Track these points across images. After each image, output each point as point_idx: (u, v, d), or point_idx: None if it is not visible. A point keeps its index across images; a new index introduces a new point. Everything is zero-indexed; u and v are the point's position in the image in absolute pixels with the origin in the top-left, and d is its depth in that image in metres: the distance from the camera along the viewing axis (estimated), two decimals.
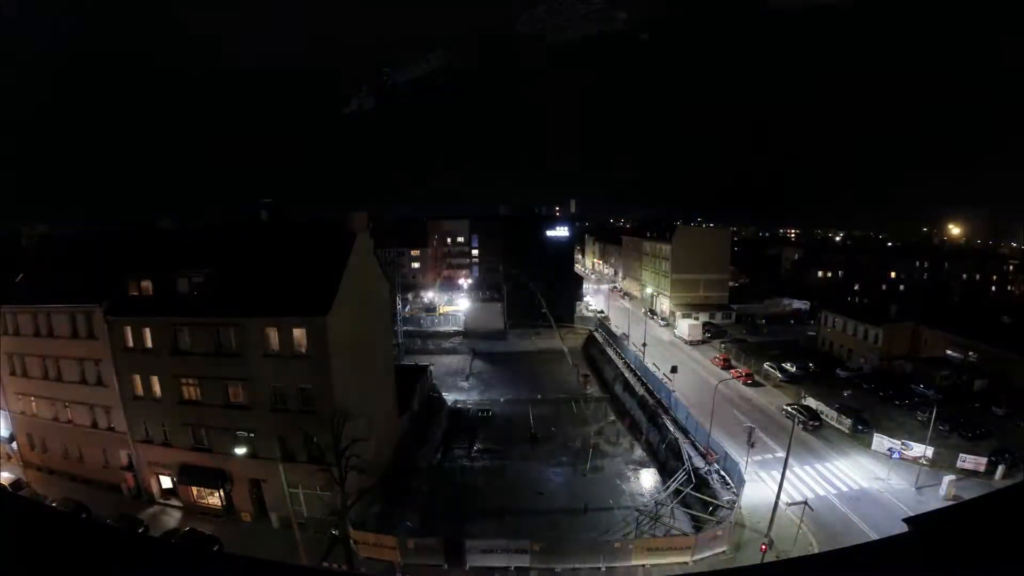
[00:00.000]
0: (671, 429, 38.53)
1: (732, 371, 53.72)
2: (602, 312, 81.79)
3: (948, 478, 31.19)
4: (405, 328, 63.86)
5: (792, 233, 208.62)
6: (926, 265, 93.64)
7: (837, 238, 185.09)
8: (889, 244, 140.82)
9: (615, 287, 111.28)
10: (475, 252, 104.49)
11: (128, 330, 29.16)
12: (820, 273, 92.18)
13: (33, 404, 33.43)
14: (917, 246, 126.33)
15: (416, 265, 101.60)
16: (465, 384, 56.85)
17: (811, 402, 43.70)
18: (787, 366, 52.68)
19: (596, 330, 70.10)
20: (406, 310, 73.60)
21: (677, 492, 31.98)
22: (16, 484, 31.98)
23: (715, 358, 58.06)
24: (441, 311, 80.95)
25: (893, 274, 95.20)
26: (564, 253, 75.79)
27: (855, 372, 52.51)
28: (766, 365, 53.91)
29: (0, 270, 34.10)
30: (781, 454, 34.53)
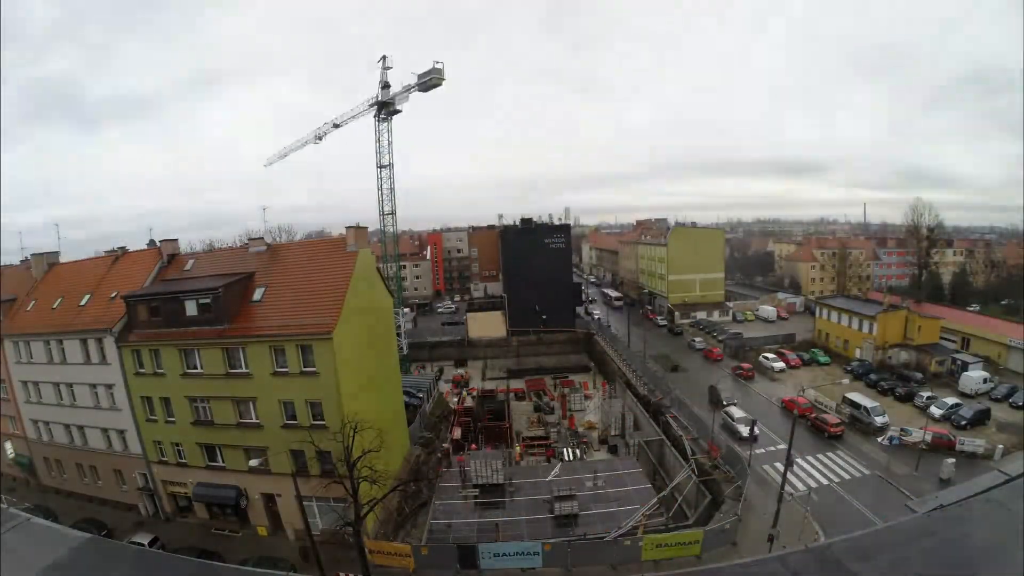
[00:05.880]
0: (674, 426, 39.18)
1: (732, 367, 54.50)
2: (600, 315, 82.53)
3: (948, 461, 31.91)
4: (408, 340, 64.44)
5: (788, 230, 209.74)
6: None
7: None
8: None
9: (613, 291, 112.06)
10: (475, 262, 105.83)
11: (139, 354, 29.83)
12: (812, 267, 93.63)
13: (50, 429, 34.09)
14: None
15: (418, 277, 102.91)
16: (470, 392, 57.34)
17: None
18: (783, 358, 53.56)
19: (596, 333, 70.87)
20: (409, 320, 74.30)
21: (681, 488, 32.55)
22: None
23: (707, 350, 61.90)
24: (443, 322, 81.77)
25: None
26: (562, 258, 76.78)
27: (852, 362, 53.30)
28: (761, 358, 54.75)
29: (11, 298, 34.88)
30: (783, 445, 35.28)
